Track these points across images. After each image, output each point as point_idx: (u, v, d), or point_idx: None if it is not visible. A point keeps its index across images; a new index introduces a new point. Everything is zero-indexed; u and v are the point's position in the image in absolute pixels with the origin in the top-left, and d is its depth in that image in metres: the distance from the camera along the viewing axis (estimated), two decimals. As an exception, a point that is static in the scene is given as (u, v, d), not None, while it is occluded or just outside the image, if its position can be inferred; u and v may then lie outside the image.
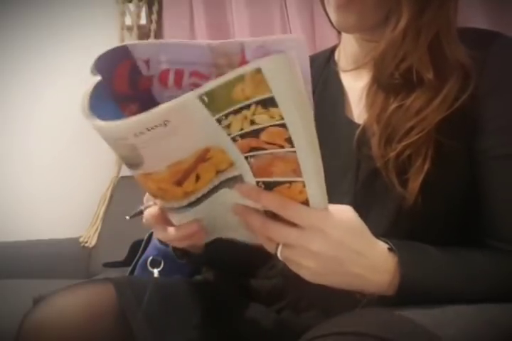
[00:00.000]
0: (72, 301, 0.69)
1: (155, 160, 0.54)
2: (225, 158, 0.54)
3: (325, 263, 0.55)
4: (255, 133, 0.50)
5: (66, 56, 2.13)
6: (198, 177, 0.56)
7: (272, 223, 0.55)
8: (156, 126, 0.49)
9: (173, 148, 0.53)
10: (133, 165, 0.55)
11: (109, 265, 1.51)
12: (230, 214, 0.59)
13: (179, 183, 0.56)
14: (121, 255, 1.30)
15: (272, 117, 0.48)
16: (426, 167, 0.65)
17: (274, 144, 0.50)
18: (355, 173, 0.71)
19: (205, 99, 0.48)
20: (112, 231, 1.93)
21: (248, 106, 0.48)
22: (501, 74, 0.69)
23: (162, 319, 0.71)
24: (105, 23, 2.14)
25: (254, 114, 0.48)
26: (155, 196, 0.61)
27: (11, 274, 1.73)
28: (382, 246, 0.59)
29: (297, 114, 0.48)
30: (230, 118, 0.49)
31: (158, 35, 2.14)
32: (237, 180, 0.56)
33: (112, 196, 2.02)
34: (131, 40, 2.12)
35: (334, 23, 0.71)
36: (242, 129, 0.50)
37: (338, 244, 0.55)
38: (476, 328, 0.54)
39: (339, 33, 0.81)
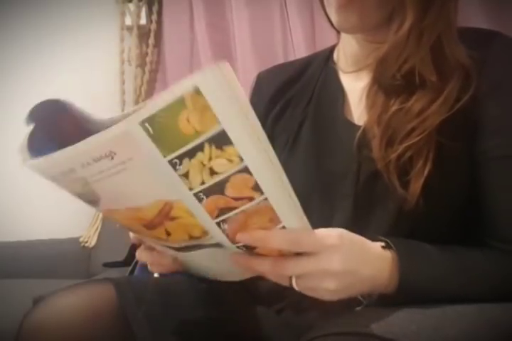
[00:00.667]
0: (72, 301, 0.69)
1: (111, 198, 0.51)
2: (194, 222, 0.51)
3: (344, 278, 0.55)
4: (219, 188, 0.47)
5: (66, 55, 2.13)
6: (168, 233, 0.53)
7: (285, 261, 0.54)
8: (101, 156, 0.46)
9: (127, 189, 0.49)
10: (91, 202, 0.52)
11: (109, 265, 1.51)
12: (216, 263, 0.58)
13: (149, 228, 0.53)
14: (121, 255, 1.30)
15: (230, 161, 0.46)
16: (427, 168, 0.64)
17: (242, 199, 0.48)
18: (356, 175, 0.71)
19: (149, 128, 0.44)
20: (112, 231, 1.93)
21: (202, 148, 0.45)
22: (502, 74, 0.68)
23: (162, 319, 0.71)
24: (105, 23, 2.14)
25: (210, 158, 0.46)
26: (128, 228, 0.58)
27: (11, 274, 1.73)
28: (376, 245, 0.60)
29: (250, 141, 0.45)
30: (186, 163, 0.46)
31: (158, 34, 2.14)
32: (217, 244, 0.54)
33: (111, 196, 2.02)
34: (131, 40, 2.12)
35: (335, 23, 0.70)
36: (203, 182, 0.47)
37: (351, 256, 0.55)
38: (477, 328, 0.54)
39: (338, 32, 0.80)
